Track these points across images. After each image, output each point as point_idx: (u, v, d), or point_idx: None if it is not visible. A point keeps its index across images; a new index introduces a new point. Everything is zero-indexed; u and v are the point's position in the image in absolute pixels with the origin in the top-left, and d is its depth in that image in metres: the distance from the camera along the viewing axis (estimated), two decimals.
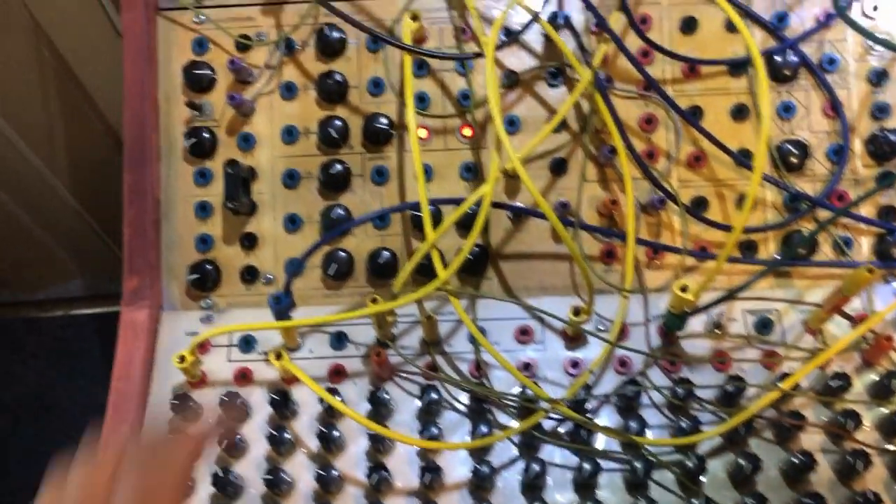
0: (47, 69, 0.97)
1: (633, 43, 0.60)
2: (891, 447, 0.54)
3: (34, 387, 1.45)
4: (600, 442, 0.55)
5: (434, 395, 0.56)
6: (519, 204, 0.59)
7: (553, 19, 0.59)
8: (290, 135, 0.61)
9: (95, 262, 1.42)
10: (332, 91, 0.60)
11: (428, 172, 0.60)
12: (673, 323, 0.56)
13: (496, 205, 0.58)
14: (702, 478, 0.53)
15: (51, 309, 1.52)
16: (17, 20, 0.85)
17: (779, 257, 0.59)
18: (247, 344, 0.59)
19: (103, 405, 1.53)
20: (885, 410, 0.54)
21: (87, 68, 0.97)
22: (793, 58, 0.60)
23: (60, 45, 0.93)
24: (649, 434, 0.55)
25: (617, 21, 0.59)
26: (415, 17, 0.58)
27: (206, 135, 0.61)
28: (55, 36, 0.90)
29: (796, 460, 0.52)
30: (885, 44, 0.53)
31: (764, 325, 0.58)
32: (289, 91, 0.61)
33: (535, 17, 0.56)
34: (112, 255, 1.38)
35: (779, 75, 0.60)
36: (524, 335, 0.58)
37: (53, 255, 1.38)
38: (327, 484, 0.53)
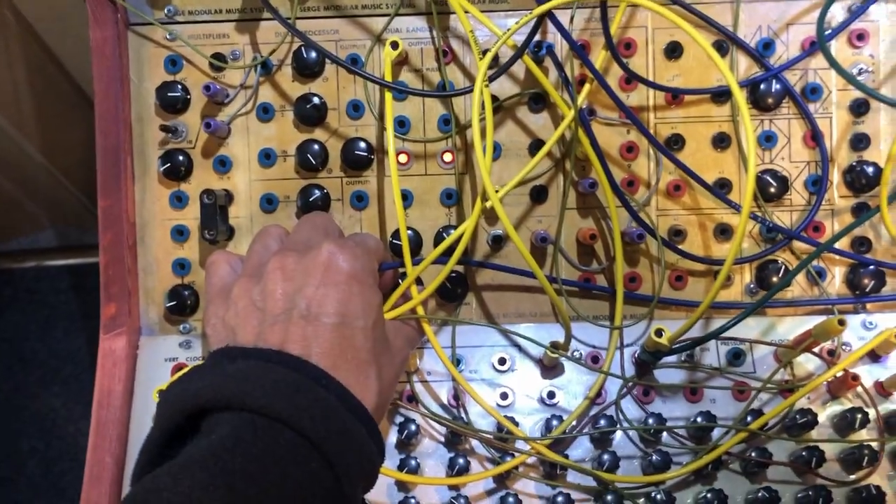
0: (10, 33, 0.94)
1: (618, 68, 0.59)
2: (853, 477, 0.57)
3: (9, 338, 1.44)
4: (573, 473, 0.57)
5: (413, 428, 0.57)
6: (499, 262, 0.60)
7: (535, 49, 0.58)
8: (267, 158, 0.60)
9: (66, 214, 1.41)
10: (310, 116, 0.59)
11: (408, 198, 0.60)
12: (647, 359, 0.57)
13: (474, 263, 0.59)
14: None
15: (23, 259, 1.51)
16: None
17: (752, 285, 0.60)
18: None
19: (77, 356, 1.50)
20: (846, 445, 0.57)
21: (50, 29, 0.95)
22: (777, 86, 0.59)
23: (22, 7, 0.91)
24: (622, 464, 0.56)
25: (599, 46, 0.58)
26: (395, 45, 0.56)
27: (180, 158, 0.59)
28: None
29: (762, 494, 0.55)
30: (853, 82, 0.52)
31: (736, 357, 0.59)
32: (265, 113, 0.60)
33: (521, 54, 0.54)
34: (81, 207, 1.37)
35: (762, 104, 0.60)
36: (501, 364, 0.59)
37: (23, 207, 1.36)
38: None
